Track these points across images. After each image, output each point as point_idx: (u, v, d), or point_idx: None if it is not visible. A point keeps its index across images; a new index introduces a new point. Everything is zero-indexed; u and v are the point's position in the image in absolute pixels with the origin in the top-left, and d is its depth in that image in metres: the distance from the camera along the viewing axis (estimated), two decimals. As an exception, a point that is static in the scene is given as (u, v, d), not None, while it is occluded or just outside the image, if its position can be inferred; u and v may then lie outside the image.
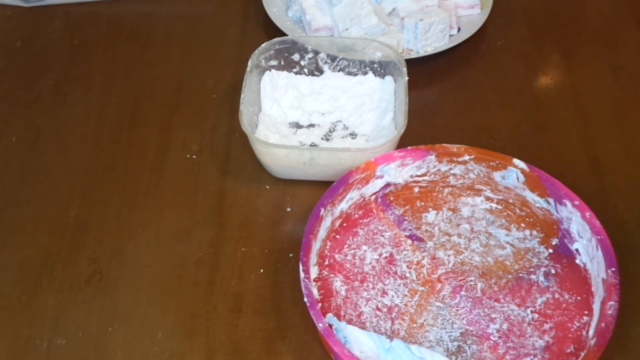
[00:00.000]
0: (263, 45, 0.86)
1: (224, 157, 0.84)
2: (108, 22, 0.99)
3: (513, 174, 0.76)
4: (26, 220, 0.79)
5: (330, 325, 0.65)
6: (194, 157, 0.84)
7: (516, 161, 0.75)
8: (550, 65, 0.95)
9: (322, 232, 0.73)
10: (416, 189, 0.79)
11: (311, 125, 0.86)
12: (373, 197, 0.78)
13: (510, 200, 0.77)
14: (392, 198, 0.78)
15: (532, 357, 0.68)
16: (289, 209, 0.79)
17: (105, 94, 0.91)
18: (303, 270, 0.67)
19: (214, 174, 0.83)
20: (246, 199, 0.81)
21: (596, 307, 0.68)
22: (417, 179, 0.78)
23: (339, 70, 0.89)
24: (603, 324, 0.65)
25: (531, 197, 0.76)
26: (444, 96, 0.92)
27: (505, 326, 0.70)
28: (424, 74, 0.93)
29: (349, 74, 0.89)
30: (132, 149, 0.85)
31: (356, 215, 0.77)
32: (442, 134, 0.86)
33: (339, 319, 0.68)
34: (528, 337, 0.69)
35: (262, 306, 0.72)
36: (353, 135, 0.85)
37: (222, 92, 0.89)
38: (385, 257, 0.74)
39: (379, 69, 0.88)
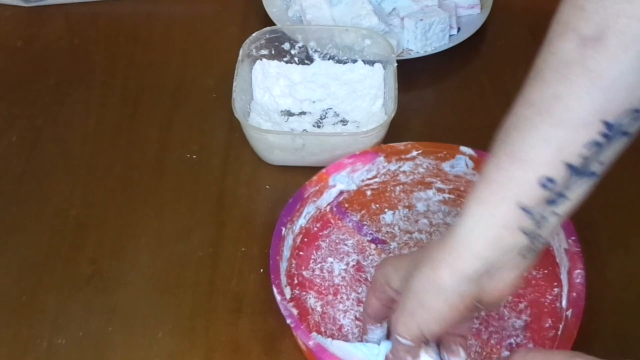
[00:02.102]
0: (254, 34, 0.87)
1: (224, 157, 0.84)
2: (108, 22, 0.99)
3: (462, 162, 0.76)
4: (26, 220, 0.79)
5: None
6: (194, 157, 0.84)
7: (463, 148, 0.76)
8: (550, 65, 0.95)
9: (286, 252, 0.72)
10: (368, 192, 0.78)
11: (302, 113, 0.87)
12: (328, 207, 0.77)
13: (462, 188, 0.77)
14: (346, 205, 0.78)
15: (514, 337, 0.68)
16: (289, 209, 0.80)
17: (105, 93, 0.91)
18: (278, 293, 0.66)
19: (214, 174, 0.83)
20: (246, 199, 0.81)
21: (564, 277, 0.69)
22: (368, 182, 0.78)
23: (329, 59, 0.90)
24: (574, 294, 0.66)
25: None
26: (444, 96, 0.92)
27: (483, 312, 0.70)
28: (424, 74, 0.93)
29: (339, 62, 0.90)
30: (132, 148, 0.85)
31: (315, 229, 0.76)
32: (442, 134, 0.86)
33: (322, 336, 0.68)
34: (507, 319, 0.70)
35: (262, 306, 0.72)
36: (344, 122, 0.86)
37: (222, 92, 0.89)
38: (353, 266, 0.74)
39: (368, 56, 0.89)
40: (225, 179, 0.82)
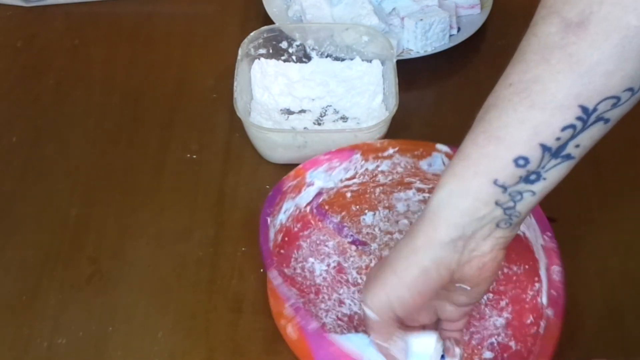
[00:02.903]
0: (252, 34, 0.87)
1: (224, 157, 0.84)
2: (108, 22, 0.99)
3: (438, 159, 0.75)
4: (26, 220, 0.79)
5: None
6: (194, 156, 0.84)
7: (439, 146, 0.75)
8: (550, 65, 0.95)
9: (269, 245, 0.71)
10: (348, 194, 0.78)
11: (302, 111, 0.87)
12: (308, 208, 0.76)
13: None
14: (327, 207, 0.77)
15: (495, 336, 0.68)
16: (289, 209, 0.80)
17: (105, 93, 0.91)
18: (280, 275, 0.65)
19: (214, 174, 0.83)
20: (246, 199, 0.81)
21: (542, 273, 0.68)
22: (347, 182, 0.77)
23: (327, 56, 0.90)
24: (553, 291, 0.65)
25: None
26: (444, 96, 0.92)
27: (471, 304, 0.69)
28: (424, 74, 0.93)
29: (337, 59, 0.90)
30: (133, 148, 0.85)
31: (295, 229, 0.75)
32: (442, 134, 0.86)
33: None
34: (488, 317, 0.70)
35: (262, 306, 0.72)
36: (344, 118, 0.87)
37: (222, 92, 0.89)
38: (334, 267, 0.74)
39: (367, 54, 0.89)
40: (225, 178, 0.82)
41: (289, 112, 0.87)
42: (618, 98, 0.50)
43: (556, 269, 0.66)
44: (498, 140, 0.53)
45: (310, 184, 0.75)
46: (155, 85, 0.92)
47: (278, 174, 0.82)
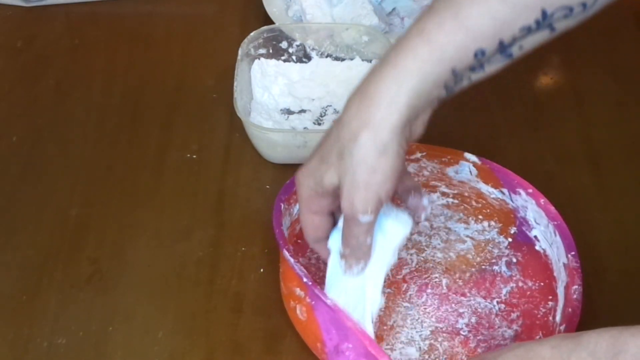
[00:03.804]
0: (252, 34, 0.87)
1: (224, 157, 0.84)
2: (108, 22, 1.00)
3: (466, 168, 0.75)
4: (26, 220, 0.79)
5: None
6: (194, 156, 0.84)
7: (467, 155, 0.75)
8: (550, 65, 0.95)
9: (285, 233, 0.71)
10: None
11: (302, 111, 0.87)
12: None
13: (466, 194, 0.77)
14: None
15: (502, 347, 0.68)
16: (289, 209, 0.80)
17: (105, 93, 0.91)
18: (291, 256, 0.65)
19: (214, 174, 0.83)
20: (246, 199, 0.81)
21: (560, 291, 0.69)
22: None
23: (327, 56, 0.90)
24: (570, 309, 0.65)
25: (485, 188, 0.75)
26: (444, 96, 0.92)
27: (473, 319, 0.70)
28: (424, 74, 0.93)
29: (337, 59, 0.90)
30: (133, 148, 0.85)
31: None
32: (442, 134, 0.86)
33: None
34: (497, 328, 0.70)
35: (262, 306, 0.72)
36: None
37: (222, 91, 0.89)
38: None
39: (366, 54, 0.89)
40: (225, 178, 0.82)
41: (289, 112, 0.87)
42: (571, 9, 0.56)
43: (577, 288, 0.66)
44: (467, 30, 0.55)
45: None
46: (155, 85, 0.92)
47: (278, 174, 0.82)
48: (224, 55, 0.92)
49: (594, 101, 0.90)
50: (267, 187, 0.82)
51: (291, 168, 0.82)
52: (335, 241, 0.64)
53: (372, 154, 0.57)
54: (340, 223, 0.63)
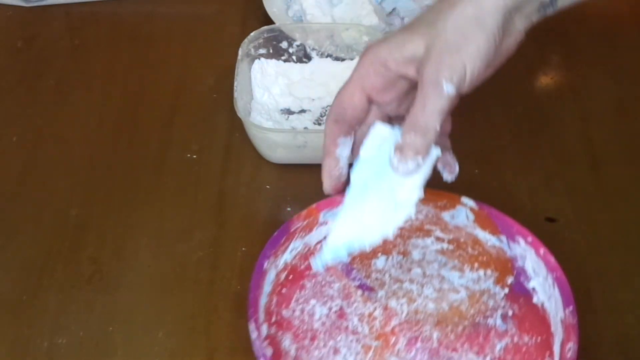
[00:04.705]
0: (252, 34, 0.87)
1: (224, 157, 0.84)
2: (109, 22, 1.00)
3: (462, 213, 0.72)
4: (26, 220, 0.79)
5: None
6: (194, 156, 0.84)
7: (464, 199, 0.71)
8: (550, 65, 0.95)
9: (267, 287, 0.68)
10: None
11: (302, 111, 0.87)
12: (319, 246, 0.71)
13: (462, 239, 0.73)
14: None
15: None
16: (289, 209, 0.79)
17: (105, 93, 0.91)
18: (255, 329, 0.62)
19: (214, 174, 0.83)
20: (246, 199, 0.81)
21: (556, 349, 0.65)
22: None
23: (327, 56, 0.90)
24: None
25: (482, 235, 0.71)
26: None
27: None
28: (424, 74, 0.93)
29: (337, 59, 0.90)
30: (133, 148, 0.85)
31: (302, 267, 0.71)
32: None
33: None
34: None
35: (262, 306, 0.72)
36: None
37: (222, 91, 0.89)
38: (336, 312, 0.70)
39: None
40: (225, 178, 0.82)
41: (289, 112, 0.87)
42: None
43: (572, 346, 0.62)
44: None
45: (324, 223, 0.71)
46: (155, 85, 0.92)
47: (278, 174, 0.82)
48: (224, 55, 0.92)
49: (594, 101, 0.91)
50: (267, 187, 0.82)
51: (291, 168, 0.82)
52: (358, 174, 0.61)
53: (469, 21, 0.56)
54: (363, 153, 0.61)
